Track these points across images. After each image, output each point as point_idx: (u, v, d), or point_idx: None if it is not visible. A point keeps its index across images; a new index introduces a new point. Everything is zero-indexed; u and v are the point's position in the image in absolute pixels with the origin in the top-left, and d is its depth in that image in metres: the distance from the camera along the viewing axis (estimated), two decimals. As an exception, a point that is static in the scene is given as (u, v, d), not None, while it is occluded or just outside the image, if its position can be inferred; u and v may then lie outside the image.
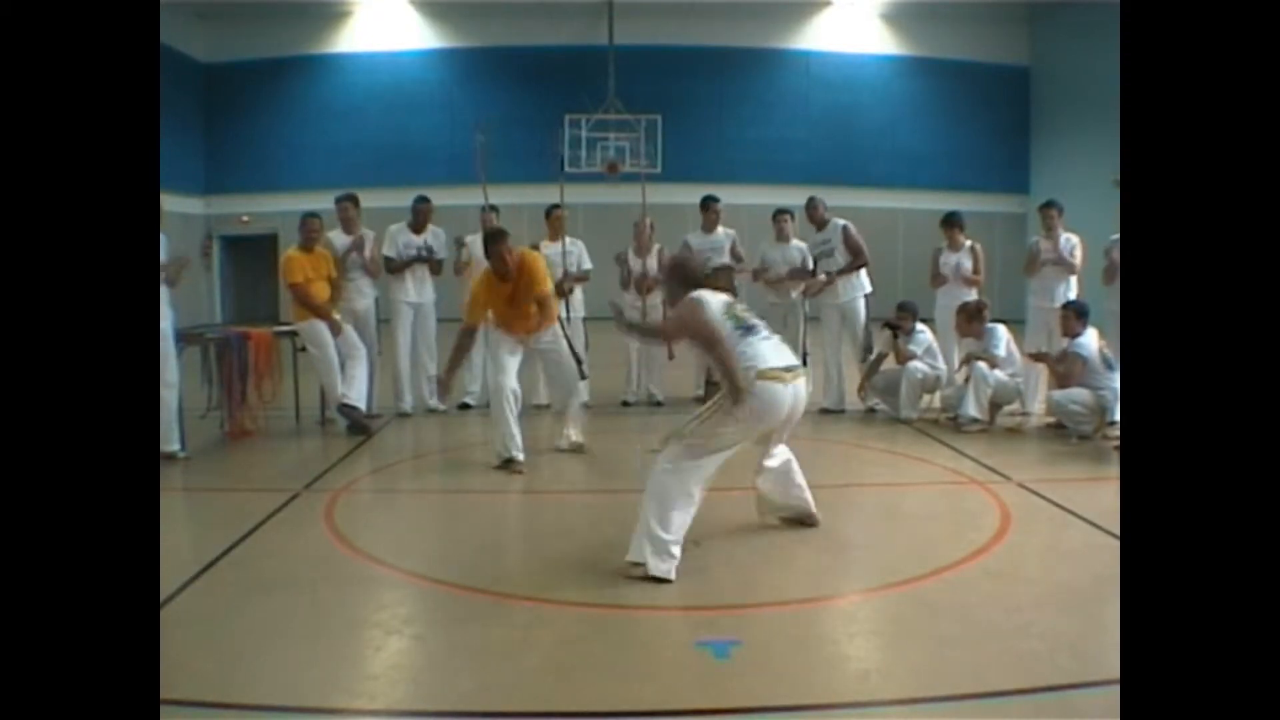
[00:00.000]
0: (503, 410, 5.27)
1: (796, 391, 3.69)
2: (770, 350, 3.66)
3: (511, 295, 5.38)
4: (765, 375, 3.56)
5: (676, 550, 3.40)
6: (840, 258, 7.23)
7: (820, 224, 7.40)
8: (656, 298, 7.20)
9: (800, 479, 4.05)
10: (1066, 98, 17.30)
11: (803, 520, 4.06)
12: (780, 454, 4.01)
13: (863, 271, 7.30)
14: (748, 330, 3.68)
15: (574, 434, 5.75)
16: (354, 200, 7.12)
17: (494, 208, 7.44)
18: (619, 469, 5.28)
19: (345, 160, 17.09)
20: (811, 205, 7.47)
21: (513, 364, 5.41)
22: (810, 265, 7.44)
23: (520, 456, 5.23)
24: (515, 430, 5.27)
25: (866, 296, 7.31)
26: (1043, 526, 4.19)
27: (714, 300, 3.77)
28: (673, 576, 3.34)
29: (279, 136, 18.03)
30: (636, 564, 3.38)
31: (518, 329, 5.45)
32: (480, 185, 7.19)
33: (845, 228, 7.25)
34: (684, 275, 3.99)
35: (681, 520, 3.45)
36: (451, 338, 7.54)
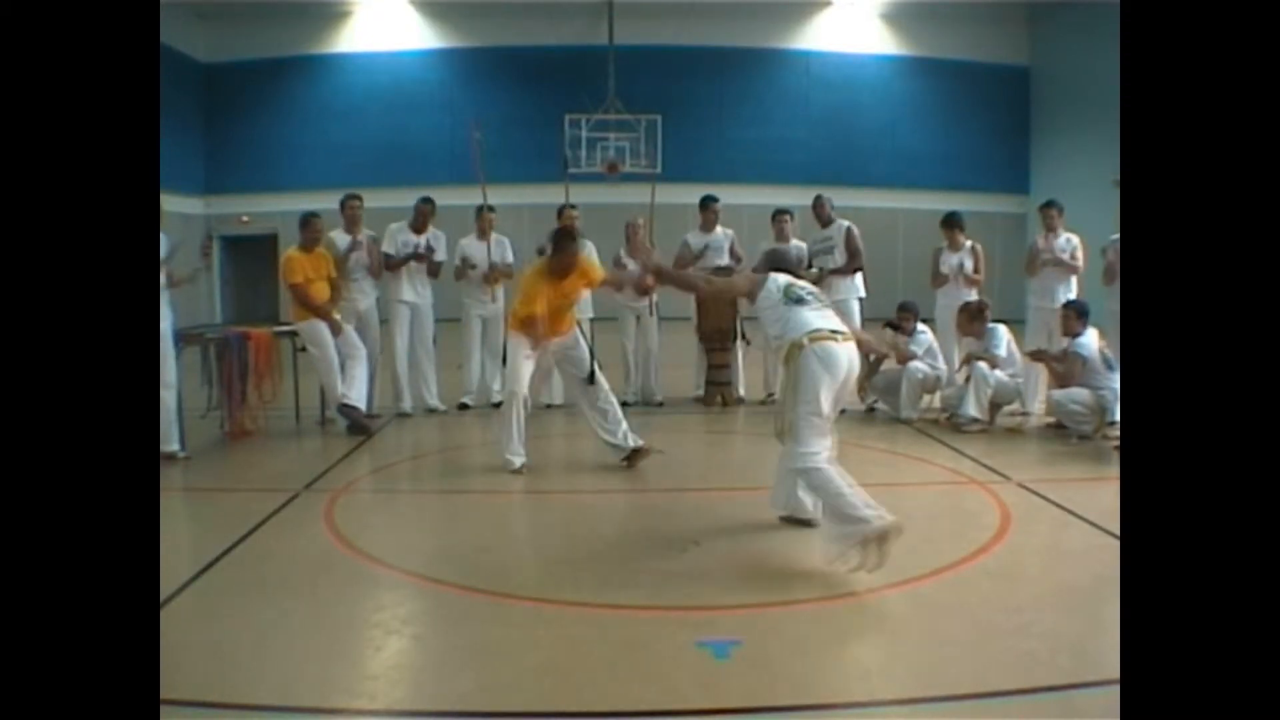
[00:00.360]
0: (512, 417, 5.19)
1: (850, 352, 3.80)
2: (817, 317, 3.84)
3: (561, 293, 5.22)
4: (816, 337, 3.72)
5: (875, 517, 3.37)
6: (839, 257, 7.24)
7: (825, 222, 7.42)
8: (653, 298, 7.21)
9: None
10: (1066, 98, 17.30)
11: (805, 522, 4.06)
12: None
13: (858, 275, 7.31)
14: (797, 301, 3.90)
15: (631, 438, 5.33)
16: (360, 200, 7.15)
17: (491, 208, 7.45)
18: (618, 469, 5.27)
19: (345, 160, 17.10)
20: (818, 203, 7.50)
21: (528, 370, 5.28)
22: (806, 261, 7.46)
23: (520, 463, 5.18)
24: (520, 437, 5.20)
25: (860, 300, 7.31)
26: (1043, 526, 4.19)
27: (778, 278, 4.03)
28: (887, 547, 3.29)
29: (279, 136, 18.04)
30: (853, 569, 3.34)
31: (548, 331, 5.21)
32: (479, 185, 7.20)
33: (849, 229, 7.27)
34: (771, 260, 4.41)
35: (853, 494, 3.50)
36: (451, 338, 7.59)
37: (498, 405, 7.28)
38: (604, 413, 5.31)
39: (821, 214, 7.45)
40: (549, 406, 7.25)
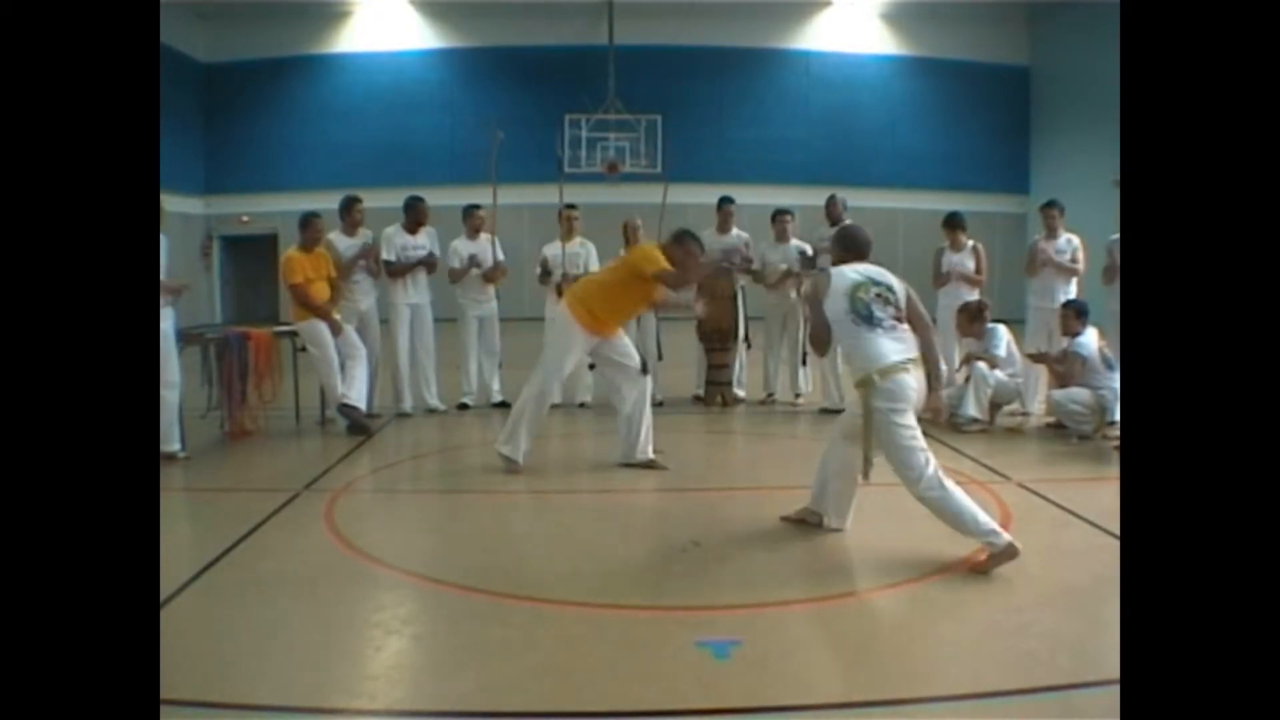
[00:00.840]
0: (537, 414, 5.13)
1: (919, 376, 3.67)
2: (891, 343, 3.64)
3: (645, 293, 5.14)
4: (888, 371, 3.57)
5: (997, 529, 3.45)
6: None
7: (835, 221, 7.39)
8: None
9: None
10: (1066, 98, 17.30)
11: (809, 521, 4.07)
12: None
13: None
14: (868, 320, 3.67)
15: (650, 449, 5.30)
16: (361, 202, 7.17)
17: (478, 206, 7.45)
18: (618, 469, 5.27)
19: (345, 160, 17.10)
20: (831, 202, 7.49)
21: (569, 366, 5.24)
22: (812, 256, 7.45)
23: (518, 461, 5.15)
24: (530, 435, 5.17)
25: None
26: (1043, 526, 4.18)
27: (845, 278, 3.81)
28: (1011, 542, 3.38)
29: (279, 136, 18.03)
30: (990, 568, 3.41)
31: (614, 322, 5.19)
32: (491, 185, 7.21)
33: None
34: (841, 243, 4.13)
35: (970, 503, 3.51)
36: (449, 338, 7.58)
37: (498, 405, 7.31)
38: (640, 413, 5.23)
39: (833, 213, 7.43)
40: (550, 407, 7.25)
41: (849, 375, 3.86)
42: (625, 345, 5.28)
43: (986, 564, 3.43)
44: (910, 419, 3.60)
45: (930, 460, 3.55)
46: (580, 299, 5.16)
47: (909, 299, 3.81)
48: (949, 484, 3.53)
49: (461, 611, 3.16)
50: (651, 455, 5.26)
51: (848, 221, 5.01)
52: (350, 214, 7.04)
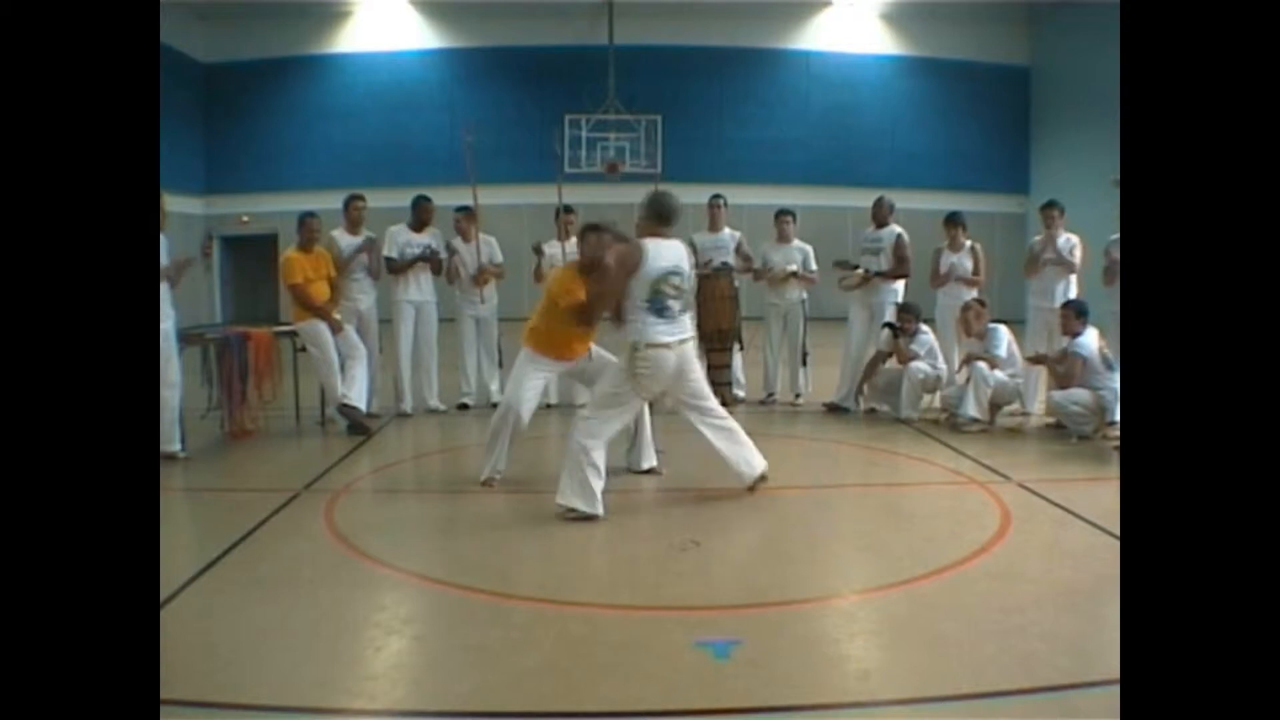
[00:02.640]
0: (502, 434, 4.95)
1: (682, 357, 4.34)
2: (664, 329, 4.27)
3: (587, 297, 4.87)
4: (653, 346, 4.23)
5: (580, 508, 4.20)
6: (884, 261, 7.23)
7: (881, 224, 7.40)
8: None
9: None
10: (1066, 98, 17.30)
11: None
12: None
13: (900, 281, 7.30)
14: (659, 313, 4.26)
15: (650, 456, 5.20)
16: (364, 200, 7.17)
17: (468, 208, 7.44)
18: (617, 470, 5.26)
19: (345, 160, 17.10)
20: (877, 204, 7.49)
21: (535, 389, 5.00)
22: (810, 264, 7.49)
23: (491, 477, 4.99)
24: (502, 454, 4.99)
25: (894, 305, 7.28)
26: (1043, 526, 4.18)
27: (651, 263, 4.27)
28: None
29: (279, 136, 18.03)
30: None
31: (576, 344, 4.99)
32: (470, 186, 7.19)
33: (900, 236, 7.24)
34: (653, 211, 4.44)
35: (589, 480, 4.23)
36: (448, 338, 7.58)
37: (462, 407, 7.30)
38: (639, 423, 5.10)
39: (879, 215, 7.43)
40: (548, 406, 7.25)
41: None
42: (604, 361, 5.03)
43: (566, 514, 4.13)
44: (635, 389, 4.33)
45: (609, 429, 4.34)
46: (533, 329, 4.98)
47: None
48: (596, 455, 4.22)
49: (461, 611, 3.16)
50: (654, 462, 5.22)
51: (660, 190, 5.01)
52: (349, 211, 7.05)
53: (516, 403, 4.89)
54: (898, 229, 7.30)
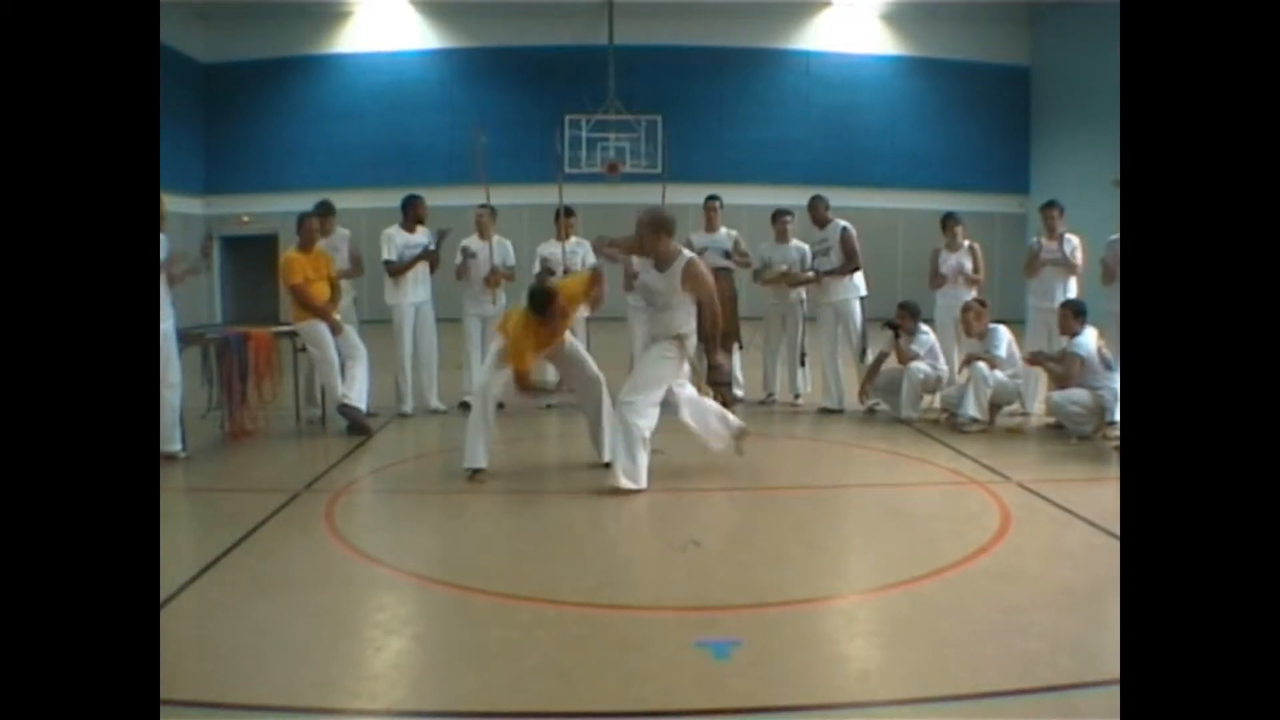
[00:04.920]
0: (479, 417, 4.99)
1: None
2: None
3: (551, 334, 5.08)
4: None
5: (625, 483, 4.61)
6: (835, 258, 7.23)
7: (821, 223, 7.40)
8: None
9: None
10: (1066, 98, 17.30)
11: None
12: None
13: (858, 274, 7.29)
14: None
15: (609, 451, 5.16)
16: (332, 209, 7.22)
17: (490, 207, 7.44)
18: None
19: (345, 160, 17.11)
20: (812, 204, 7.47)
21: (501, 379, 5.07)
22: (809, 263, 7.49)
23: (483, 466, 5.02)
24: (485, 440, 5.02)
25: (861, 299, 7.30)
26: (1043, 526, 4.18)
27: None
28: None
29: (279, 136, 18.04)
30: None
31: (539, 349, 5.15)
32: (483, 185, 7.19)
33: (844, 230, 7.24)
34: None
35: (638, 449, 4.68)
36: (450, 338, 7.58)
37: (463, 406, 7.29)
38: (599, 415, 5.21)
39: (816, 215, 7.42)
40: (549, 406, 7.25)
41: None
42: (575, 350, 5.27)
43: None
44: (676, 371, 4.88)
45: (652, 407, 4.73)
46: (505, 348, 5.03)
47: None
48: (648, 432, 4.63)
49: (461, 611, 3.16)
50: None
51: (651, 206, 5.40)
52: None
53: (487, 386, 5.05)
54: (842, 223, 7.27)
